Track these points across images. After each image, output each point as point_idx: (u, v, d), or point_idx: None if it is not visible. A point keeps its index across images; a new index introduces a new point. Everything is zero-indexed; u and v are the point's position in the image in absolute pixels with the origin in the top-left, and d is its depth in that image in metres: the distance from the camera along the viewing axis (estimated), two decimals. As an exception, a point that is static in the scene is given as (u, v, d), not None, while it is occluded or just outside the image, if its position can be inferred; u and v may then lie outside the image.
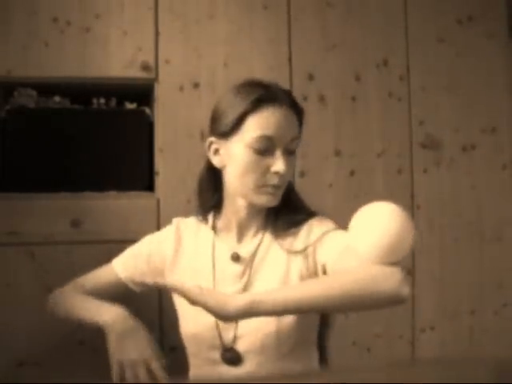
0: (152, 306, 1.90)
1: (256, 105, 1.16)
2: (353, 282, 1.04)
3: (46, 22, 1.90)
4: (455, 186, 2.13)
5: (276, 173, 1.16)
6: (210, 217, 1.34)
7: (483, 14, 2.16)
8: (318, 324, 1.35)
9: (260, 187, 1.18)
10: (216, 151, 1.25)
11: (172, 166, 1.95)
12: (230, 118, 1.20)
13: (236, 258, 1.26)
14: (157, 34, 1.97)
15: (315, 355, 1.33)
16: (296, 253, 1.24)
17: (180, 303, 1.31)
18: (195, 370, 1.32)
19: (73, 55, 1.91)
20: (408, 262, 2.08)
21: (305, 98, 2.03)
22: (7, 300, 1.81)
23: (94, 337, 1.86)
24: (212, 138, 1.25)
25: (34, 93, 1.94)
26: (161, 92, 1.97)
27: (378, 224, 1.05)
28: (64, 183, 1.91)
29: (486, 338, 2.12)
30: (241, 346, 1.21)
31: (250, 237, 1.28)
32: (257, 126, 1.16)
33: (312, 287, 1.04)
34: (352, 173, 2.06)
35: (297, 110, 1.22)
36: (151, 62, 1.96)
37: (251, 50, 2.02)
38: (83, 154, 1.94)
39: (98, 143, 1.95)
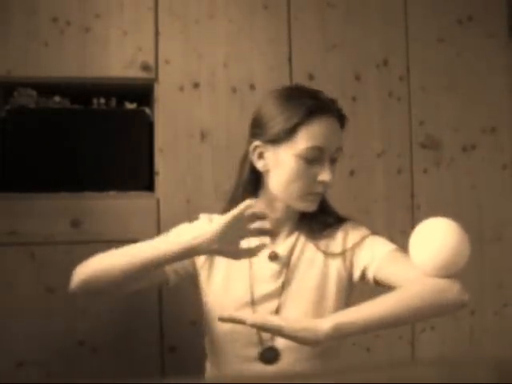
0: (152, 306, 1.90)
1: (308, 115, 1.19)
2: (421, 298, 1.13)
3: (46, 22, 1.90)
4: (455, 186, 2.13)
5: (322, 182, 1.21)
6: None
7: (483, 14, 2.16)
8: None
9: (305, 195, 1.22)
10: (260, 155, 1.26)
11: (172, 166, 1.95)
12: (281, 126, 1.21)
13: (274, 257, 1.27)
14: (157, 34, 1.97)
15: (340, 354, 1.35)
16: (334, 255, 1.27)
17: (214, 301, 1.29)
18: (224, 366, 1.28)
19: (73, 55, 1.91)
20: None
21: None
22: (7, 300, 1.81)
23: (94, 337, 1.87)
24: (257, 143, 1.26)
25: (34, 93, 1.94)
26: (161, 92, 1.97)
27: (438, 238, 1.15)
28: (64, 183, 1.91)
29: (486, 338, 2.12)
30: (279, 343, 1.22)
31: (284, 237, 1.30)
32: (308, 136, 1.19)
33: (386, 305, 1.09)
34: (352, 173, 2.06)
35: (341, 119, 1.26)
36: (151, 62, 1.96)
37: (251, 49, 2.02)
38: (83, 153, 1.94)
39: (98, 143, 1.95)
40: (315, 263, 1.27)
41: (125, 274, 1.18)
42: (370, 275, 1.26)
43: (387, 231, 2.07)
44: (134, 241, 1.76)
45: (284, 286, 1.24)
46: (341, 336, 1.06)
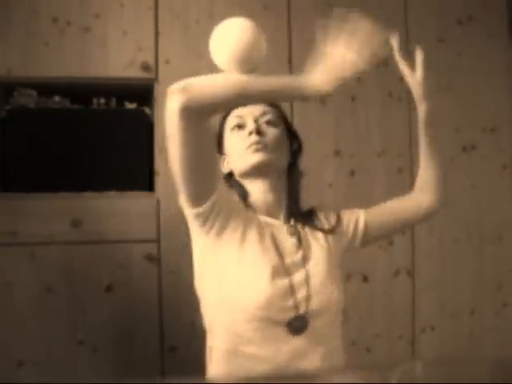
0: (152, 306, 1.90)
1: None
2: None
3: (46, 22, 1.90)
4: (455, 186, 2.13)
5: (250, 133, 1.32)
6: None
7: (483, 14, 2.16)
8: None
9: (245, 151, 1.32)
10: (227, 162, 1.39)
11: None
12: (217, 137, 1.42)
13: (293, 231, 1.35)
14: (157, 34, 1.97)
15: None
16: (331, 231, 1.39)
17: (247, 266, 1.28)
18: (250, 333, 1.27)
19: (73, 55, 1.91)
20: (408, 262, 2.09)
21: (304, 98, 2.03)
22: (7, 300, 1.81)
23: (94, 337, 1.87)
24: (222, 157, 1.40)
25: (34, 93, 1.94)
26: (161, 92, 1.97)
27: (231, 36, 1.24)
28: (64, 183, 1.91)
29: (486, 338, 2.12)
30: (313, 305, 1.27)
31: (285, 219, 1.36)
32: (230, 114, 1.39)
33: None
34: (352, 173, 2.06)
35: (274, 105, 1.40)
36: (151, 62, 1.96)
37: (251, 50, 2.02)
38: (83, 154, 1.94)
39: (98, 143, 1.95)
40: (319, 241, 1.37)
41: (228, 100, 1.34)
42: (370, 232, 1.45)
43: (387, 231, 2.08)
44: (134, 241, 1.76)
45: (304, 258, 1.32)
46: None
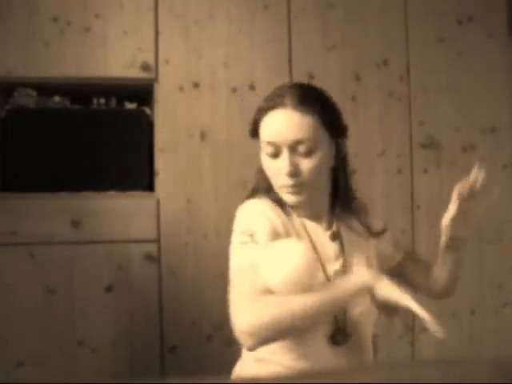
0: (152, 306, 1.90)
1: (262, 113, 1.23)
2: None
3: (46, 22, 1.90)
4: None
5: (283, 173, 1.20)
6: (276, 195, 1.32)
7: (483, 14, 2.16)
8: None
9: (280, 188, 1.24)
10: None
11: (172, 166, 1.95)
12: (250, 123, 1.28)
13: (335, 236, 1.30)
14: (157, 33, 1.97)
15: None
16: (369, 230, 1.36)
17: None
18: (291, 344, 1.23)
19: (73, 55, 1.91)
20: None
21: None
22: (7, 300, 1.81)
23: (93, 337, 1.87)
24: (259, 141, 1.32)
25: (34, 93, 1.94)
26: (161, 92, 1.97)
27: (287, 262, 1.13)
28: (64, 183, 1.91)
29: (486, 338, 2.12)
30: (353, 315, 1.26)
31: (328, 221, 1.32)
32: (263, 132, 1.23)
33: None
34: (352, 173, 2.06)
35: (308, 111, 1.20)
36: (151, 62, 1.96)
37: (251, 49, 2.02)
38: (83, 154, 1.94)
39: (98, 143, 1.95)
40: (360, 243, 1.34)
41: (296, 329, 1.17)
42: (395, 265, 1.42)
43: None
44: (134, 241, 1.76)
45: (345, 264, 1.29)
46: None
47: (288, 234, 1.24)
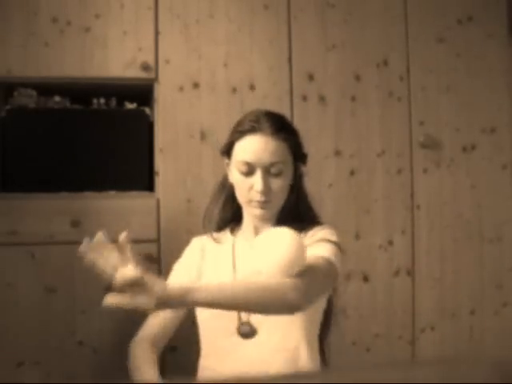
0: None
1: (240, 135, 1.40)
2: (261, 294, 1.24)
3: (46, 22, 1.90)
4: (455, 186, 2.13)
5: (256, 191, 1.37)
6: (227, 230, 1.55)
7: (483, 14, 2.16)
8: (320, 323, 1.48)
9: (249, 202, 1.41)
10: (230, 171, 1.49)
11: (172, 166, 1.95)
12: (226, 142, 1.46)
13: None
14: (157, 34, 1.97)
15: (317, 356, 1.42)
16: None
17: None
18: (208, 345, 1.47)
19: (73, 55, 1.91)
20: (408, 261, 2.09)
21: (304, 98, 2.03)
22: (7, 300, 1.81)
23: (94, 337, 1.87)
24: (227, 160, 1.48)
25: (34, 93, 1.94)
26: (161, 92, 1.97)
27: (278, 247, 1.25)
28: (64, 183, 1.91)
29: (486, 338, 2.12)
30: (254, 318, 1.38)
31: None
32: (240, 152, 1.40)
33: (235, 293, 1.22)
34: (352, 173, 2.06)
35: (283, 139, 1.39)
36: (151, 62, 1.96)
37: (251, 49, 2.02)
38: (83, 154, 1.94)
39: (97, 143, 1.95)
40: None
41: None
42: None
43: (387, 231, 2.08)
44: (134, 241, 1.75)
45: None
46: (188, 302, 1.19)
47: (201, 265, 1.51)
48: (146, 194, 1.95)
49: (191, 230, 1.92)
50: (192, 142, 1.96)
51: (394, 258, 2.07)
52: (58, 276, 1.84)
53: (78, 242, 1.92)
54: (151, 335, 1.50)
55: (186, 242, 1.87)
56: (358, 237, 2.04)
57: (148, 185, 1.96)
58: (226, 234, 1.54)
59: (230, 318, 1.38)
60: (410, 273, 2.08)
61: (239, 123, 1.44)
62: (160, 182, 1.95)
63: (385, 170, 2.08)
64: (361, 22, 2.09)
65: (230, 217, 1.53)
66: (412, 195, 2.10)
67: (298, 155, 1.45)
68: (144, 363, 1.44)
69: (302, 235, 1.42)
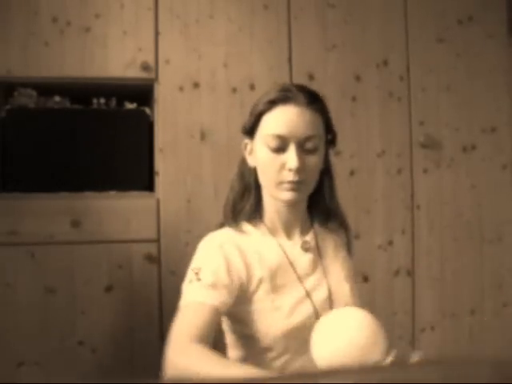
0: (152, 306, 1.90)
1: (269, 106, 1.22)
2: None
3: (46, 22, 1.90)
4: (455, 186, 2.13)
5: (290, 169, 1.19)
6: (246, 224, 1.30)
7: (483, 14, 2.16)
8: None
9: (279, 184, 1.22)
10: (251, 151, 1.29)
11: (172, 166, 1.95)
12: (250, 117, 1.27)
13: (306, 246, 1.29)
14: (157, 34, 1.97)
15: None
16: (346, 254, 1.36)
17: (265, 304, 1.23)
18: (271, 363, 1.24)
19: (73, 55, 1.91)
20: (408, 262, 2.09)
21: (305, 98, 2.03)
22: (7, 300, 1.81)
23: (93, 337, 1.87)
24: (246, 140, 1.29)
25: (34, 93, 1.94)
26: (161, 92, 1.97)
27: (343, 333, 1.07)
28: (64, 183, 1.91)
29: (486, 338, 2.12)
30: None
31: (302, 232, 1.31)
32: (269, 125, 1.22)
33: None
34: (352, 173, 2.06)
35: (318, 110, 1.24)
36: (151, 62, 1.96)
37: (251, 49, 2.02)
38: (83, 154, 1.94)
39: (98, 143, 1.95)
40: (340, 253, 1.34)
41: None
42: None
43: (387, 231, 2.08)
44: (134, 241, 1.76)
45: (325, 274, 1.29)
46: None
47: (249, 266, 1.21)
48: (146, 193, 1.95)
49: (191, 230, 1.92)
50: (192, 142, 1.96)
51: (394, 258, 2.07)
52: (57, 276, 1.84)
53: (78, 242, 1.93)
54: (198, 333, 1.12)
55: (186, 242, 1.88)
56: (357, 237, 2.04)
57: (148, 185, 1.96)
58: (246, 227, 1.29)
59: (307, 339, 1.17)
60: (410, 273, 2.08)
61: (265, 95, 1.24)
62: (160, 182, 1.95)
63: (385, 170, 2.08)
64: (361, 22, 2.09)
65: (254, 206, 1.30)
66: (412, 195, 2.10)
67: (330, 133, 1.28)
68: (212, 358, 1.07)
69: (334, 236, 1.34)
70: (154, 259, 1.89)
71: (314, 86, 2.09)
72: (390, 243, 2.07)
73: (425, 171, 2.11)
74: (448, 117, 2.14)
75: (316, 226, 1.33)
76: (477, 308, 2.12)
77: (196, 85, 1.98)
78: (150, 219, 1.91)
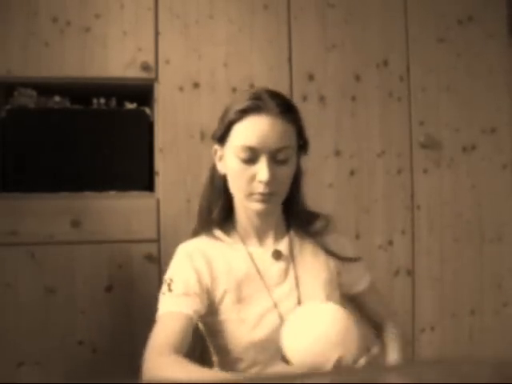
0: (152, 306, 1.90)
1: (240, 115, 1.18)
2: None
3: (46, 22, 1.90)
4: (455, 186, 2.13)
5: (260, 181, 1.16)
6: (219, 232, 1.29)
7: (483, 14, 2.16)
8: None
9: (249, 195, 1.19)
10: (220, 158, 1.27)
11: (172, 166, 1.95)
12: (220, 125, 1.25)
13: (277, 255, 1.26)
14: (157, 34, 1.97)
15: None
16: (334, 255, 1.29)
17: (232, 314, 1.22)
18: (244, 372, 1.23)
19: (73, 55, 1.91)
20: (408, 261, 2.09)
21: (305, 98, 2.03)
22: (7, 300, 1.81)
23: (93, 337, 1.87)
24: (216, 146, 1.27)
25: (34, 93, 1.94)
26: (161, 92, 1.97)
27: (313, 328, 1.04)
28: (64, 183, 1.91)
29: (486, 338, 2.12)
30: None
31: (277, 237, 1.28)
32: (240, 135, 1.18)
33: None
34: (352, 173, 2.06)
35: (290, 119, 1.19)
36: (151, 62, 1.96)
37: (251, 49, 2.02)
38: (83, 154, 1.94)
39: (97, 143, 1.95)
40: (319, 258, 1.28)
41: None
42: (350, 293, 1.35)
43: (387, 231, 2.08)
44: (134, 241, 1.76)
45: (297, 282, 1.25)
46: None
47: (214, 278, 1.21)
48: (146, 193, 1.95)
49: (191, 229, 1.92)
50: (192, 141, 1.96)
51: (394, 258, 2.07)
52: (57, 276, 1.84)
53: (78, 242, 1.93)
54: (171, 342, 1.12)
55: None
56: (357, 237, 2.04)
57: (148, 185, 1.96)
58: (218, 235, 1.29)
59: (277, 349, 1.15)
60: (410, 273, 2.08)
61: (236, 102, 1.20)
62: (160, 182, 1.95)
63: (385, 170, 2.08)
64: (361, 22, 2.09)
65: (223, 214, 1.29)
66: (412, 195, 2.10)
67: (302, 141, 1.24)
68: (186, 366, 1.05)
69: (316, 239, 1.29)
70: (153, 259, 1.89)
71: (314, 86, 2.11)
72: (390, 243, 2.07)
73: (425, 171, 2.11)
74: (448, 117, 2.14)
75: (292, 231, 1.29)
76: (477, 308, 2.12)
77: (196, 85, 1.98)
78: (150, 219, 1.91)
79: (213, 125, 1.99)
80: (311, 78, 2.04)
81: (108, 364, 1.85)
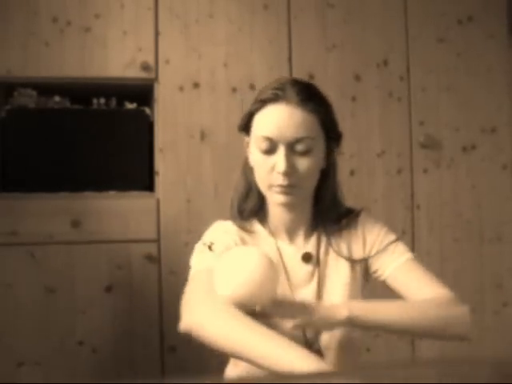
0: (152, 306, 1.90)
1: (260, 105, 1.16)
2: (434, 318, 1.20)
3: (46, 22, 1.90)
4: (455, 186, 2.13)
5: (278, 172, 1.14)
6: (256, 222, 1.27)
7: (483, 14, 2.16)
8: None
9: (270, 186, 1.17)
10: (249, 150, 1.24)
11: (172, 166, 1.95)
12: (244, 116, 1.21)
13: (308, 258, 1.23)
14: (157, 34, 1.97)
15: None
16: (357, 260, 1.27)
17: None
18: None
19: (73, 55, 1.91)
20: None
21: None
22: (7, 300, 1.81)
23: (93, 337, 1.87)
24: (247, 138, 1.24)
25: (34, 93, 1.95)
26: (161, 92, 1.97)
27: (242, 269, 1.04)
28: (64, 183, 1.91)
29: (486, 338, 2.12)
30: (322, 342, 1.19)
31: (305, 237, 1.25)
32: (259, 126, 1.16)
33: (401, 313, 1.15)
34: (352, 173, 2.06)
35: (312, 109, 1.15)
36: (151, 62, 1.96)
37: (251, 49, 2.02)
38: (83, 154, 1.94)
39: (98, 143, 1.95)
40: (341, 262, 1.25)
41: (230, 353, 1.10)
42: (382, 278, 1.29)
43: (387, 231, 2.08)
44: (134, 241, 1.77)
45: (319, 286, 1.23)
46: (353, 325, 1.09)
47: None
48: (146, 193, 1.95)
49: (191, 230, 1.92)
50: (192, 142, 1.96)
51: (394, 258, 2.07)
52: (57, 276, 1.85)
53: (78, 242, 1.93)
54: (214, 296, 1.08)
55: (186, 242, 1.88)
56: (357, 237, 2.04)
57: (148, 185, 1.96)
58: (255, 225, 1.26)
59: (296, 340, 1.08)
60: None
61: (261, 92, 1.18)
62: (160, 182, 1.95)
63: (385, 170, 2.08)
64: (361, 22, 2.09)
65: (257, 205, 1.25)
66: (412, 195, 2.10)
67: (331, 132, 1.20)
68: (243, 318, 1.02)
69: (360, 237, 1.27)
70: (153, 259, 1.89)
71: (314, 86, 2.09)
72: (390, 243, 2.06)
73: (425, 171, 2.11)
74: (448, 117, 2.13)
75: (320, 229, 1.26)
76: (477, 308, 2.11)
77: (196, 85, 1.98)
78: (150, 219, 1.91)
79: (213, 125, 2.00)
80: (311, 77, 2.04)
81: (108, 364, 1.85)
